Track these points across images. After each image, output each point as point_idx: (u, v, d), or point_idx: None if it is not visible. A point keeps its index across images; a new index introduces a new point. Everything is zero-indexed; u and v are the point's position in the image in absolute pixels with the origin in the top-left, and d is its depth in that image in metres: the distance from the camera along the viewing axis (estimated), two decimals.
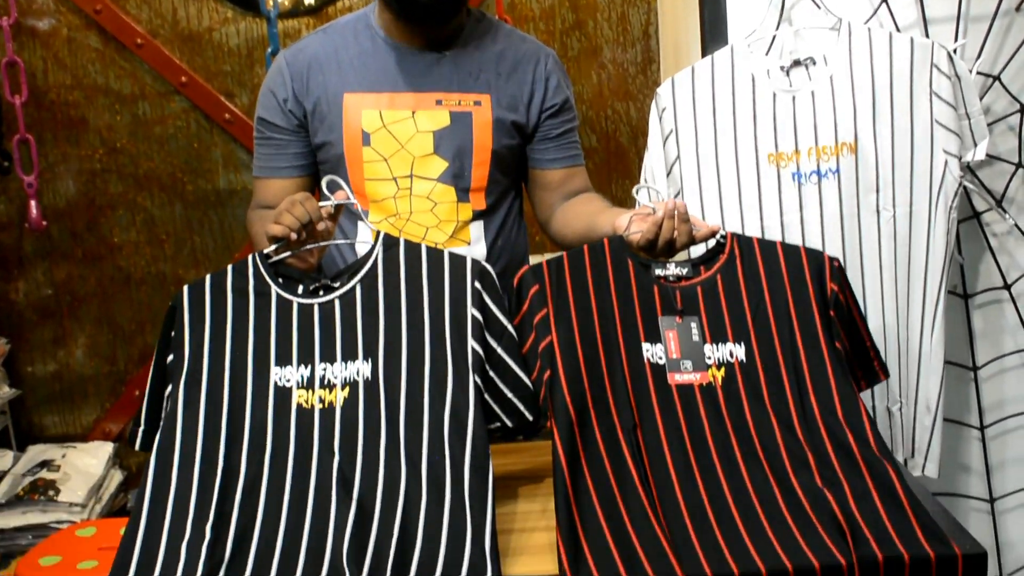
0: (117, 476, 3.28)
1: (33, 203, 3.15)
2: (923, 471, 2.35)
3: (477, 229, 2.14)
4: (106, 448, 3.29)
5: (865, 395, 2.31)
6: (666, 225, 1.77)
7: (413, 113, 2.08)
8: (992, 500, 2.59)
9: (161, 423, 1.63)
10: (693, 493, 1.55)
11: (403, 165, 2.08)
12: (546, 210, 2.21)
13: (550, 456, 1.57)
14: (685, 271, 1.74)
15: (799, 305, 1.71)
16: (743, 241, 1.77)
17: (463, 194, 2.11)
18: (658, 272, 1.74)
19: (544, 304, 1.69)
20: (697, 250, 1.86)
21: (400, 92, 2.08)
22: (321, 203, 1.78)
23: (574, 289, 1.71)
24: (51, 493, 3.01)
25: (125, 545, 1.50)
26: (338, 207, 1.82)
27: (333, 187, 1.80)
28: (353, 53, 2.10)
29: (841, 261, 2.20)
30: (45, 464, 3.15)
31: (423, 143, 2.08)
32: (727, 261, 1.75)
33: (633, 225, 1.80)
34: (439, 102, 2.08)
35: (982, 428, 2.55)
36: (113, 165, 3.39)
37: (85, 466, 3.17)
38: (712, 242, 1.78)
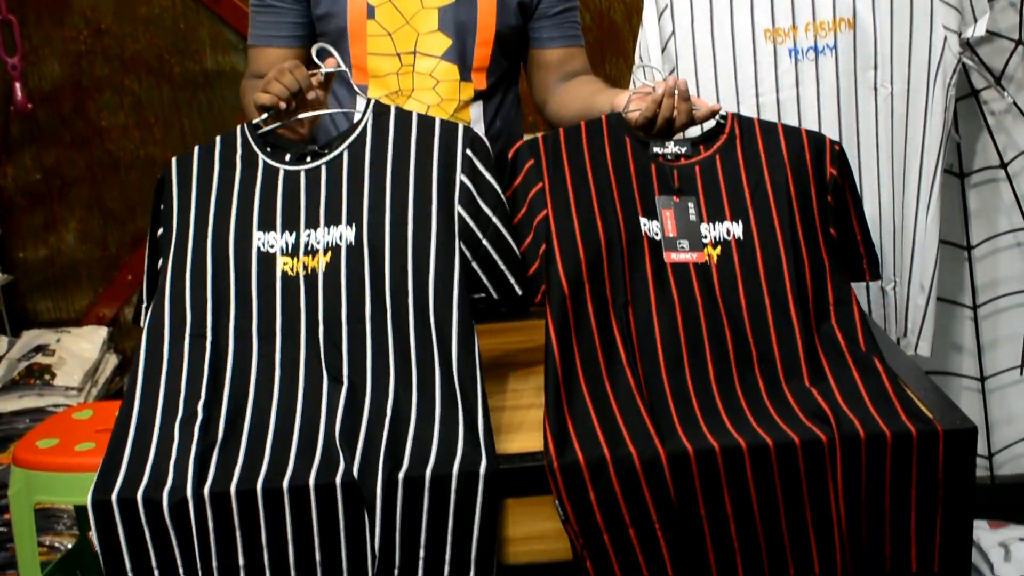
0: (112, 360, 3.29)
1: (18, 85, 3.09)
2: (916, 350, 2.36)
3: (477, 110, 2.11)
4: (100, 332, 3.30)
5: None
6: (665, 103, 1.73)
7: None
8: (983, 379, 2.61)
9: (153, 298, 1.62)
10: (679, 376, 1.55)
11: (407, 41, 2.05)
12: (543, 91, 2.18)
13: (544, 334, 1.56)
14: (684, 150, 1.71)
15: (798, 187, 1.68)
16: (744, 121, 1.74)
17: (465, 73, 2.08)
18: (656, 150, 1.71)
19: (540, 178, 1.66)
20: (695, 132, 1.82)
21: None
22: (311, 71, 1.75)
23: (570, 164, 1.68)
24: (47, 377, 3.03)
25: (121, 422, 1.50)
26: (328, 76, 1.78)
27: (323, 55, 1.77)
28: None
29: (839, 140, 2.19)
30: (40, 349, 3.16)
31: (427, 19, 2.04)
32: (727, 141, 1.72)
33: (632, 103, 1.77)
34: None
35: (975, 307, 2.56)
36: (98, 47, 3.33)
37: (80, 350, 3.18)
38: (712, 122, 1.75)
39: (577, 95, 2.05)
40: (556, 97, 2.13)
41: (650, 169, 1.70)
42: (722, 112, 1.74)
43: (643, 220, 1.66)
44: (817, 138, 1.72)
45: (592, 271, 1.60)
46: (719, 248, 1.66)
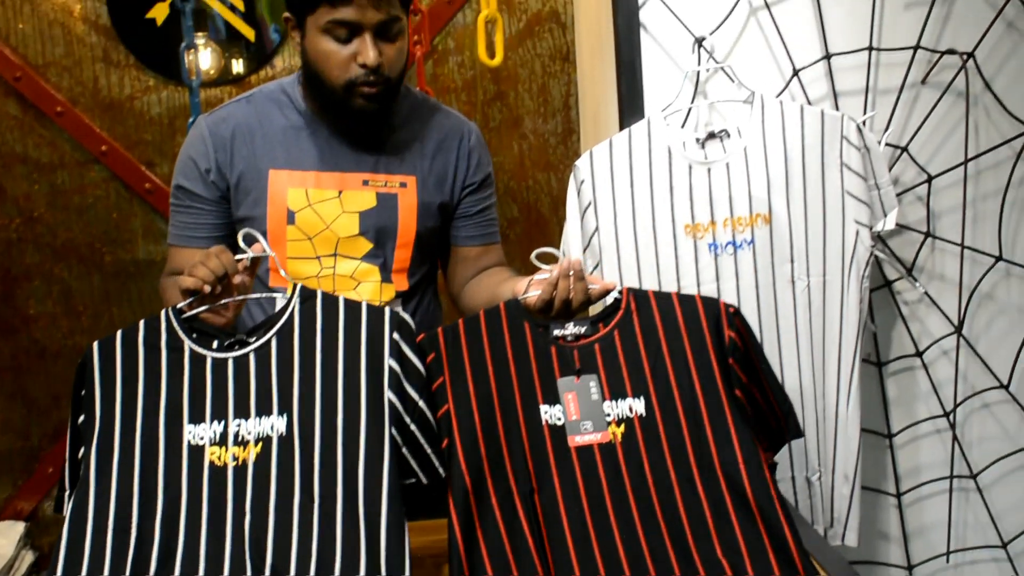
0: (28, 557, 3.18)
1: None
2: (843, 540, 2.35)
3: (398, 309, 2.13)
4: (17, 528, 3.20)
5: (784, 464, 2.32)
6: (561, 284, 1.76)
7: (339, 193, 2.06)
8: (910, 567, 2.61)
9: (76, 488, 1.59)
10: (589, 562, 1.55)
11: (327, 245, 2.07)
12: (458, 285, 2.22)
13: None
14: (583, 329, 1.74)
15: (697, 355, 1.71)
16: (639, 295, 1.77)
17: (386, 274, 2.10)
18: (556, 332, 1.74)
19: (440, 372, 1.68)
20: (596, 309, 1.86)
21: (327, 171, 2.06)
22: (237, 256, 1.76)
23: (470, 356, 1.70)
24: None
25: None
26: (255, 261, 1.79)
27: (249, 240, 1.78)
28: (278, 127, 2.08)
29: (760, 332, 2.24)
30: None
31: (348, 224, 2.07)
32: (624, 316, 1.75)
33: (531, 288, 1.81)
34: (366, 183, 2.07)
35: (899, 495, 2.58)
36: (30, 235, 3.34)
37: None
38: (610, 299, 1.78)
39: (485, 287, 2.10)
40: (468, 290, 2.18)
41: (550, 352, 1.72)
42: (617, 288, 1.78)
43: (544, 408, 1.68)
44: (711, 304, 1.75)
45: (494, 466, 1.62)
46: (623, 426, 1.68)
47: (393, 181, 2.08)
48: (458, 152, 2.15)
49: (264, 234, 2.00)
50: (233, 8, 3.37)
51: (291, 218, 2.04)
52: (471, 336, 1.72)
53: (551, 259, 1.81)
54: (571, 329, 1.74)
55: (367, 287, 2.08)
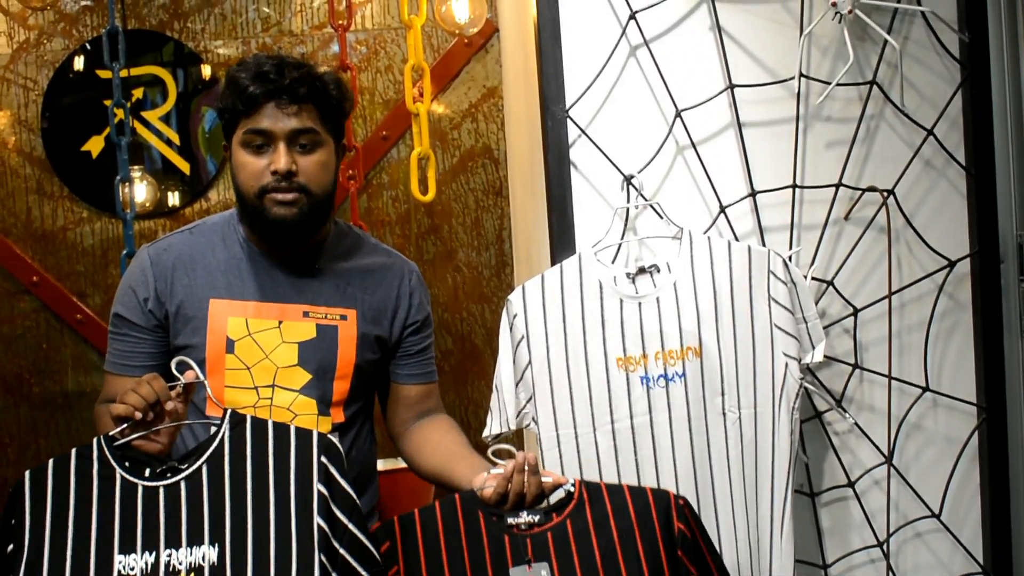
0: None
1: None
2: None
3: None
4: None
5: None
6: (516, 479, 1.84)
7: (279, 323, 2.07)
8: None
9: None
10: None
11: (266, 375, 2.07)
12: (399, 425, 2.23)
13: None
14: (537, 518, 1.82)
15: (647, 546, 1.80)
16: (591, 487, 1.87)
17: (324, 407, 2.10)
18: (510, 521, 1.82)
19: (395, 562, 1.75)
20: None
21: (267, 302, 2.08)
22: (171, 384, 1.76)
23: (425, 546, 1.77)
24: None
25: None
26: (188, 388, 1.80)
27: (182, 368, 1.79)
28: (220, 258, 2.09)
29: (692, 463, 2.25)
30: None
31: (287, 354, 2.07)
32: (576, 507, 1.84)
33: (488, 481, 1.88)
34: (306, 314, 2.09)
35: None
36: None
37: None
38: (562, 492, 1.87)
39: (438, 448, 2.12)
40: (414, 438, 2.18)
41: (503, 540, 1.79)
42: (570, 481, 1.87)
43: None
44: (663, 497, 1.85)
45: None
46: None
47: (333, 313, 2.10)
48: (399, 290, 2.19)
49: (202, 362, 2.02)
50: (168, 142, 3.40)
51: (230, 347, 2.05)
52: (426, 526, 1.79)
53: (507, 454, 1.90)
54: (525, 518, 1.83)
55: (304, 420, 2.08)
